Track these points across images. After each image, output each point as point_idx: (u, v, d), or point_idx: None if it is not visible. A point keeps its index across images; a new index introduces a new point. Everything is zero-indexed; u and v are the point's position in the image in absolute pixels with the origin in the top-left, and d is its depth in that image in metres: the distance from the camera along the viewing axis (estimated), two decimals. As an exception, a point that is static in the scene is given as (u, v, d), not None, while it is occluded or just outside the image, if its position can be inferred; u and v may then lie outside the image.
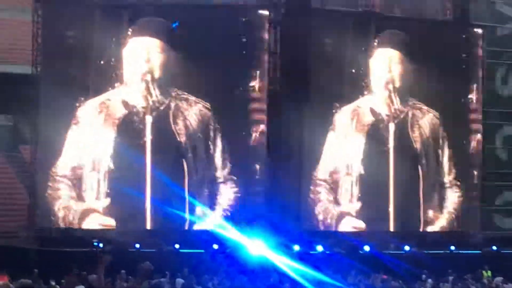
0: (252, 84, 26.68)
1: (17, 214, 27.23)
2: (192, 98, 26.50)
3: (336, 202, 27.68)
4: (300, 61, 27.30)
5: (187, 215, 26.00)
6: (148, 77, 26.25)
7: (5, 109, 30.11)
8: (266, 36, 26.92)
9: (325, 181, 27.57)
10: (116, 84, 26.20)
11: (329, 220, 27.65)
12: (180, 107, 26.44)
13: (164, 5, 27.46)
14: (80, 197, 25.86)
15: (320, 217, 27.48)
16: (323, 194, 27.53)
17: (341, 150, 27.78)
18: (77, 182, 25.81)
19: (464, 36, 29.56)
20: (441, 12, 30.46)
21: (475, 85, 29.43)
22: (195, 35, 26.19)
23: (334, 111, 27.71)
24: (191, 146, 26.46)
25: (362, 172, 27.79)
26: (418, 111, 28.86)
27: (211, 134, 26.58)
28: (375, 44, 28.15)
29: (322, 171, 27.53)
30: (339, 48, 27.87)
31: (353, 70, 27.95)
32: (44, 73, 26.04)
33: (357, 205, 27.75)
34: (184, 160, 26.33)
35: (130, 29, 26.11)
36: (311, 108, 27.29)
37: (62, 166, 25.76)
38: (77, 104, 25.88)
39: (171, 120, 26.34)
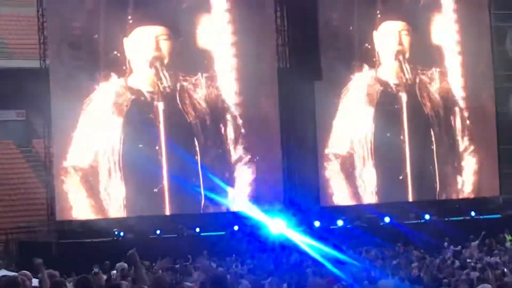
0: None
1: (36, 208, 27.24)
2: (200, 79, 26.41)
3: (352, 175, 27.64)
4: (308, 37, 27.15)
5: (203, 198, 25.95)
6: (157, 63, 26.15)
7: (17, 104, 30.08)
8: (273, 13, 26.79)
9: (339, 155, 27.52)
10: (124, 72, 26.07)
11: (346, 194, 27.62)
12: (189, 89, 26.35)
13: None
14: (95, 188, 25.77)
15: (338, 191, 27.46)
16: (337, 169, 27.49)
17: (354, 123, 27.71)
18: (91, 172, 25.71)
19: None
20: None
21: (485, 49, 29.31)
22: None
23: (344, 85, 27.64)
24: (202, 127, 26.41)
25: (376, 143, 27.72)
26: (426, 77, 28.72)
27: (223, 113, 26.58)
28: (381, 15, 28.00)
29: (335, 146, 27.49)
30: (346, 22, 27.77)
31: (362, 43, 27.83)
32: (52, 66, 25.87)
33: (373, 177, 27.72)
34: (196, 141, 26.27)
35: (135, 16, 25.99)
36: (321, 83, 27.22)
37: (76, 158, 25.64)
38: (87, 95, 25.77)
39: (180, 102, 26.27)
